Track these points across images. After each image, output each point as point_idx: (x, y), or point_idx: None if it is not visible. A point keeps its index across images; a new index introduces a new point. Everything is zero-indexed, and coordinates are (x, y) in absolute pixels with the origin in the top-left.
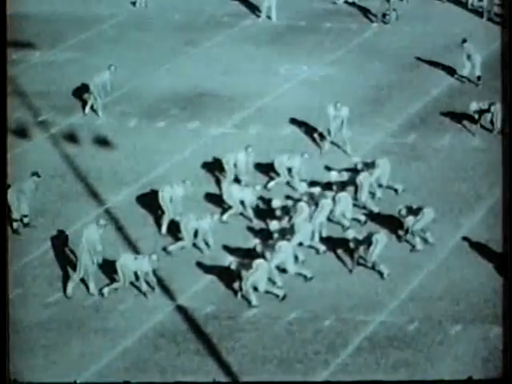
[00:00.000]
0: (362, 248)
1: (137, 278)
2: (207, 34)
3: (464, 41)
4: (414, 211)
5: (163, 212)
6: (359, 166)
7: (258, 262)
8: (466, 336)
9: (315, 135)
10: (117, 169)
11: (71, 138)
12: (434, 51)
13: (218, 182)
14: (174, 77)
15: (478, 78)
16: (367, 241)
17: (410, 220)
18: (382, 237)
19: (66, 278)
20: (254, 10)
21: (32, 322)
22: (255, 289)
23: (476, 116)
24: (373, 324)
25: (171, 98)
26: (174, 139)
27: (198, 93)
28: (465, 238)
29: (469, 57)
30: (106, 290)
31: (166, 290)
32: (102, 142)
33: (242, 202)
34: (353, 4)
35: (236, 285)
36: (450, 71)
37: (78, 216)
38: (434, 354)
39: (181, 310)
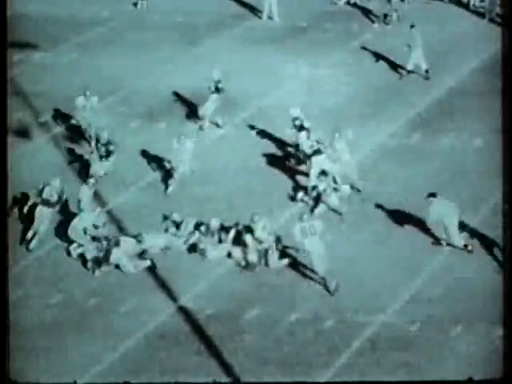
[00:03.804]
0: None
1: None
2: (209, 34)
3: (412, 26)
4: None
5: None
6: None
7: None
8: (468, 337)
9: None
10: (118, 169)
11: (72, 138)
12: (435, 52)
13: None
14: (176, 78)
15: (426, 71)
16: None
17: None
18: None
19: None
20: (256, 10)
21: (33, 323)
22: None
23: None
24: (374, 325)
25: (172, 98)
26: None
27: (200, 93)
28: (466, 239)
29: (412, 45)
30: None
31: (168, 291)
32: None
33: None
34: (354, 5)
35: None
36: (451, 71)
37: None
38: (436, 354)
39: (182, 311)
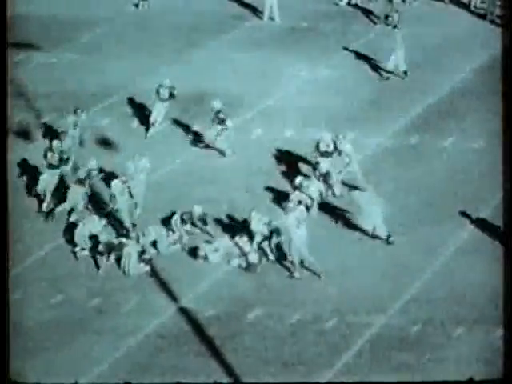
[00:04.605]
0: None
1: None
2: (210, 35)
3: (395, 26)
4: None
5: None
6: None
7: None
8: (468, 337)
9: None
10: (119, 170)
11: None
12: (436, 53)
13: None
14: (177, 78)
15: (405, 72)
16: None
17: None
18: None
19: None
20: (257, 11)
21: (33, 324)
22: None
23: None
24: (375, 326)
25: (174, 99)
26: (176, 141)
27: (201, 94)
28: (467, 239)
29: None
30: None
31: (169, 292)
32: (105, 143)
33: None
34: (356, 6)
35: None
36: (452, 72)
37: (80, 218)
38: (437, 355)
39: (183, 311)
